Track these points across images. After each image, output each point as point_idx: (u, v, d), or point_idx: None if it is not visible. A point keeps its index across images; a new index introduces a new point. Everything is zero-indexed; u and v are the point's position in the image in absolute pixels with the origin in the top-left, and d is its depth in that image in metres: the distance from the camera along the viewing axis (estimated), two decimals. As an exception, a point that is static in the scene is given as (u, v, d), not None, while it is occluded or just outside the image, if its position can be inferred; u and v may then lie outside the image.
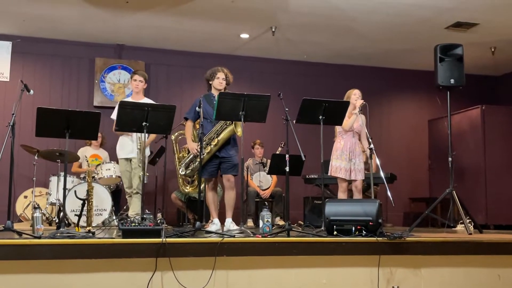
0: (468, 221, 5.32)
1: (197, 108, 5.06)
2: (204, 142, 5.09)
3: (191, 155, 5.41)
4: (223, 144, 5.17)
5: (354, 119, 5.77)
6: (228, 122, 5.13)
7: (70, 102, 8.26)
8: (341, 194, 5.85)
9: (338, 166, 5.79)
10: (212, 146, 5.13)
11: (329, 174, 5.93)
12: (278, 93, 4.94)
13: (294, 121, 5.05)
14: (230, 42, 8.47)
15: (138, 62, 8.61)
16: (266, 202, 7.33)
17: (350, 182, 5.88)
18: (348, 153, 5.79)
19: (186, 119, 5.39)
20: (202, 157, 4.92)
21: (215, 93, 5.25)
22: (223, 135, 5.14)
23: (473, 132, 8.63)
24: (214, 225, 5.11)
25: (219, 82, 5.27)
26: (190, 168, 5.46)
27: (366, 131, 5.73)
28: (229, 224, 5.11)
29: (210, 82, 5.34)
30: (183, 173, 5.60)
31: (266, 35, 8.06)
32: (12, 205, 4.33)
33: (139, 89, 5.94)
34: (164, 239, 3.72)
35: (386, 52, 8.90)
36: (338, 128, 5.94)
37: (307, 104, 5.16)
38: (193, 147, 5.27)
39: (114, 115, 5.58)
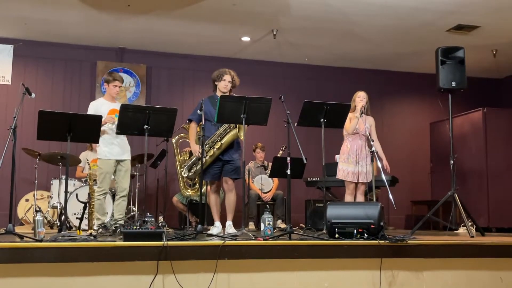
0: (470, 224, 5.31)
1: (198, 111, 5.05)
2: (207, 145, 5.09)
3: (194, 157, 5.39)
4: (226, 148, 5.17)
5: (356, 122, 5.76)
6: (232, 125, 5.11)
7: (72, 106, 8.27)
8: (348, 197, 5.85)
9: (346, 169, 5.80)
10: (215, 149, 5.12)
11: (337, 177, 5.94)
12: (280, 96, 4.94)
13: (296, 124, 5.04)
14: (231, 45, 8.48)
15: (140, 65, 8.63)
16: (267, 205, 7.31)
17: (357, 184, 5.89)
18: (355, 155, 5.80)
19: (190, 120, 5.36)
20: (204, 159, 4.93)
21: (219, 95, 5.24)
22: (227, 138, 5.13)
23: (475, 135, 8.62)
24: (215, 228, 5.11)
25: (224, 84, 5.24)
26: (192, 170, 5.45)
27: (368, 134, 5.72)
28: (228, 227, 5.11)
29: (216, 83, 5.30)
30: (186, 175, 5.59)
31: (267, 38, 8.07)
32: (13, 208, 4.32)
33: (117, 95, 5.76)
34: (165, 242, 3.72)
35: (387, 55, 8.91)
36: (345, 131, 5.94)
37: (309, 107, 5.16)
38: (196, 149, 5.23)
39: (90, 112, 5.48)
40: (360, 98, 5.89)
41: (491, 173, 8.38)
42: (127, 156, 5.62)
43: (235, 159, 5.20)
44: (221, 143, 5.11)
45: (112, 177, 5.62)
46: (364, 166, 5.76)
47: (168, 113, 4.73)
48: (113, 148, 5.47)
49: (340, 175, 5.86)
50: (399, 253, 4.15)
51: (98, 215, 5.43)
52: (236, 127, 5.11)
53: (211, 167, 5.20)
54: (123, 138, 5.56)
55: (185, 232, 5.06)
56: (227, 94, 5.22)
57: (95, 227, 5.28)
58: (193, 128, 5.34)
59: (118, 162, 5.56)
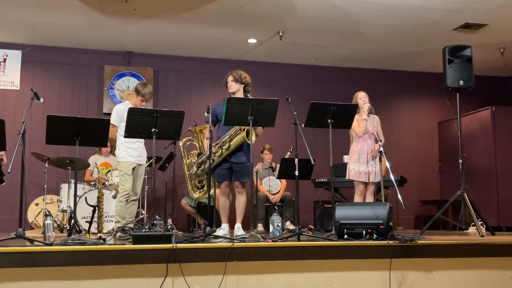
0: (480, 223, 5.28)
1: (205, 113, 5.08)
2: (217, 145, 5.14)
3: (204, 156, 5.41)
4: (235, 150, 5.17)
5: (364, 125, 5.77)
6: (243, 127, 5.12)
7: (80, 110, 8.31)
8: (358, 197, 5.84)
9: (358, 169, 5.79)
10: (223, 149, 5.14)
11: (347, 178, 5.92)
12: (287, 97, 4.94)
13: (303, 125, 5.04)
14: (238, 47, 8.49)
15: (147, 68, 8.66)
16: (276, 207, 7.33)
17: (366, 184, 5.87)
18: (366, 155, 5.79)
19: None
20: (211, 161, 4.95)
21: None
22: (235, 140, 5.14)
23: (483, 134, 8.58)
24: (221, 230, 5.11)
25: (228, 86, 5.29)
26: (201, 168, 5.47)
27: (376, 134, 5.71)
28: (237, 229, 5.12)
29: None
30: (194, 172, 5.62)
31: (273, 40, 8.07)
32: (23, 212, 4.35)
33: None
34: (174, 245, 3.73)
35: (394, 54, 8.88)
36: (353, 132, 5.93)
37: (316, 107, 5.16)
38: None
39: (112, 119, 5.50)
40: (362, 100, 5.88)
41: (500, 171, 8.33)
42: (143, 161, 5.69)
43: (243, 162, 5.18)
44: (229, 144, 5.13)
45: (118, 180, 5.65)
46: (374, 165, 5.76)
47: (176, 116, 4.75)
48: (132, 151, 5.53)
49: (351, 175, 5.84)
50: (408, 253, 4.14)
51: (118, 218, 5.44)
52: (244, 130, 5.10)
53: (218, 167, 5.22)
54: (141, 144, 5.62)
55: (194, 234, 5.07)
56: (237, 94, 5.22)
57: (111, 228, 5.28)
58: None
59: (136, 166, 5.61)
